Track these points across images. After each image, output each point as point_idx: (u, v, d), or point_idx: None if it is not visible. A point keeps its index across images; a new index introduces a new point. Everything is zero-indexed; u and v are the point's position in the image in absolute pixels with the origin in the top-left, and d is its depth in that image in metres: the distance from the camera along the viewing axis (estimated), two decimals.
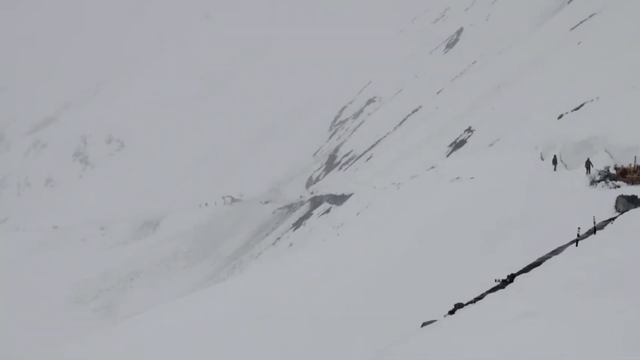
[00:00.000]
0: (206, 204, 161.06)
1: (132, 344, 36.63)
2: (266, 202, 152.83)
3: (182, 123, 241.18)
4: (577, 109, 57.68)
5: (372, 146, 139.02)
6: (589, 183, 35.48)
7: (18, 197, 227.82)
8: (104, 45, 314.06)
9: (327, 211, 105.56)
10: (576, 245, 17.18)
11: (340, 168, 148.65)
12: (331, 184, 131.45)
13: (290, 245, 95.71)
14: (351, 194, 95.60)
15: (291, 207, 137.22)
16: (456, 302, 16.16)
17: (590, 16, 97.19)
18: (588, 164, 38.51)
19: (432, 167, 67.01)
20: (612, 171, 34.99)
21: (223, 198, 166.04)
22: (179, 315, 41.18)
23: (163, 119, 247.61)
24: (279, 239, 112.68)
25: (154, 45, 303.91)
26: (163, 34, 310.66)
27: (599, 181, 35.04)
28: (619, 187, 32.53)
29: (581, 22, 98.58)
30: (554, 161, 45.67)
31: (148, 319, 44.42)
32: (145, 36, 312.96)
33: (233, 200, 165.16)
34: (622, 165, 34.73)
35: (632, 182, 32.51)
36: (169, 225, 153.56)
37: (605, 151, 40.27)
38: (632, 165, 33.67)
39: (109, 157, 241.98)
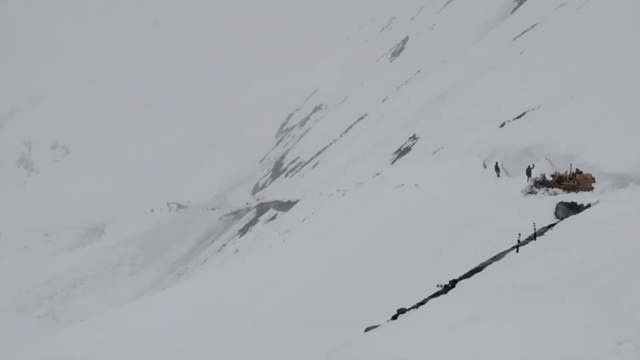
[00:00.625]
0: (152, 211, 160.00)
1: (76, 351, 36.14)
2: (212, 209, 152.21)
3: (129, 129, 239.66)
4: (518, 117, 58.33)
5: (319, 153, 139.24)
6: (528, 190, 35.90)
7: None
8: (50, 51, 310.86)
9: (273, 218, 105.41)
10: (517, 251, 17.36)
11: (287, 175, 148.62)
12: (277, 191, 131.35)
13: (236, 251, 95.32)
14: (297, 201, 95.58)
15: (237, 214, 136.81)
16: (399, 307, 16.22)
17: (532, 26, 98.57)
18: (529, 172, 39.01)
19: (378, 174, 67.20)
20: (549, 178, 35.47)
21: (168, 205, 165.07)
22: (123, 322, 40.78)
23: (110, 125, 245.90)
24: (225, 245, 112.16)
25: (101, 52, 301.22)
26: (110, 41, 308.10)
27: (532, 187, 35.48)
28: (557, 194, 32.97)
29: (523, 32, 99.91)
30: (497, 168, 46.21)
31: (93, 325, 43.88)
32: (92, 43, 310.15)
33: (179, 206, 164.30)
34: (558, 173, 35.23)
35: (568, 189, 32.98)
36: (115, 231, 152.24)
37: (546, 159, 40.86)
38: (568, 173, 34.16)
39: (54, 163, 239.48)
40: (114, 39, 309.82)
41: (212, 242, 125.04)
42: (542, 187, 34.58)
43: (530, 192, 34.91)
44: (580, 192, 32.10)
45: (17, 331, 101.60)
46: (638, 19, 62.44)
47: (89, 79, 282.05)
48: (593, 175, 32.95)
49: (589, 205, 21.27)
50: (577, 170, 34.08)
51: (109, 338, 36.96)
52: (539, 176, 36.64)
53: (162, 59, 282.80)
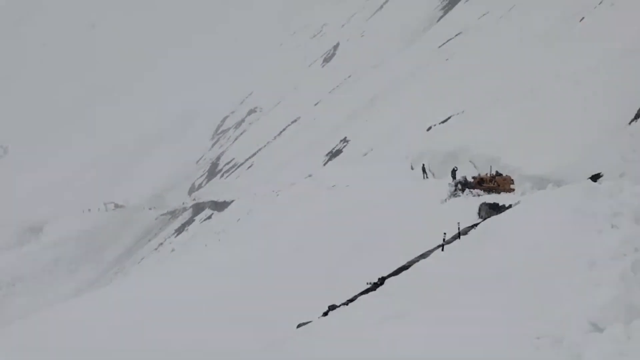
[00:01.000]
0: (90, 210, 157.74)
1: (15, 349, 35.46)
2: (150, 209, 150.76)
3: (67, 129, 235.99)
4: (444, 121, 59.01)
5: (253, 155, 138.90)
6: (451, 191, 36.24)
7: None
8: None
9: (209, 217, 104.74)
10: (442, 250, 17.54)
11: (222, 176, 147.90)
12: (213, 191, 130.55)
13: (173, 250, 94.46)
14: (232, 201, 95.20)
15: (174, 214, 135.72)
16: (330, 304, 16.30)
17: (457, 35, 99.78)
18: (454, 174, 39.48)
19: (310, 176, 67.44)
20: (471, 180, 35.91)
21: (105, 204, 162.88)
22: (61, 321, 40.14)
23: (48, 126, 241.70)
24: (161, 244, 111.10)
25: (40, 51, 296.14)
26: (49, 41, 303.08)
27: (455, 188, 35.87)
28: (480, 195, 33.40)
29: (448, 40, 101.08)
30: (423, 170, 46.67)
31: (31, 324, 43.12)
32: (30, 43, 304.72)
33: (116, 206, 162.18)
34: (480, 175, 35.73)
35: (489, 190, 33.46)
36: (53, 230, 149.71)
37: (470, 161, 41.44)
38: (488, 175, 34.68)
39: None
40: (49, 42, 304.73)
41: (149, 241, 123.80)
42: (466, 189, 34.99)
43: (455, 194, 35.27)
44: (502, 193, 32.58)
45: None
46: (556, 27, 63.66)
47: (27, 79, 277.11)
48: (513, 178, 33.52)
49: (510, 206, 21.62)
50: (496, 172, 34.63)
51: (46, 337, 36.36)
52: (461, 178, 37.06)
53: (99, 60, 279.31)
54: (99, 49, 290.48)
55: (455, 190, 35.99)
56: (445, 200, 35.28)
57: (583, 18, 59.38)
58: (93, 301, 46.42)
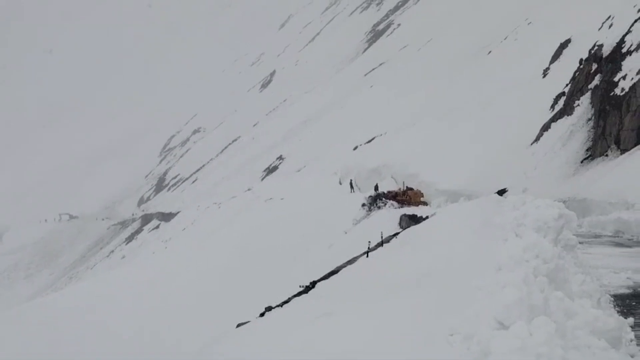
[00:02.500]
0: (46, 220, 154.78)
1: None
2: (102, 219, 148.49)
3: (24, 145, 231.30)
4: (369, 141, 59.46)
5: (197, 170, 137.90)
6: (369, 203, 36.30)
7: None
8: None
9: (157, 227, 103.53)
10: (367, 256, 17.61)
11: (169, 189, 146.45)
12: (160, 203, 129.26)
13: (123, 257, 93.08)
14: (178, 212, 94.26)
15: (124, 224, 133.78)
16: (267, 305, 16.21)
17: (380, 64, 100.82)
18: (376, 188, 39.77)
19: (249, 189, 67.13)
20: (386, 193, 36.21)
21: (60, 215, 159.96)
22: (18, 322, 39.21)
23: (5, 142, 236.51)
24: (112, 251, 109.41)
25: (1, 73, 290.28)
26: (6, 66, 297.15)
27: (374, 201, 35.98)
28: (399, 207, 33.65)
29: (373, 69, 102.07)
30: (351, 185, 46.90)
31: None
32: None
33: (71, 217, 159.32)
34: (394, 190, 36.08)
35: (402, 202, 33.79)
36: (11, 238, 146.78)
37: (392, 177, 41.84)
38: (401, 189, 35.06)
39: None
40: (10, 64, 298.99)
41: (101, 249, 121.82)
42: (388, 202, 35.22)
43: (378, 206, 35.43)
44: (419, 205, 32.89)
45: None
46: (468, 58, 64.83)
47: None
48: (429, 192, 33.95)
49: (427, 217, 21.84)
50: (407, 187, 35.03)
51: (3, 337, 35.48)
52: (380, 192, 37.38)
53: (56, 82, 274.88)
54: (56, 72, 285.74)
55: (375, 202, 36.11)
56: (372, 211, 35.15)
57: (490, 51, 60.62)
58: (47, 304, 45.46)
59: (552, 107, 32.93)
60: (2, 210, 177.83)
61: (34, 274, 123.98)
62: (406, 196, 34.05)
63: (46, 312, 40.43)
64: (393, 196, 34.99)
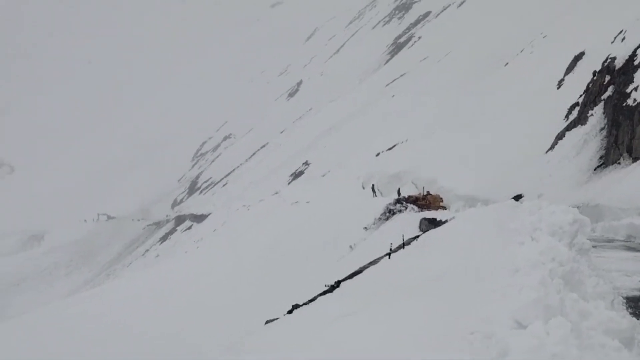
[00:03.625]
0: (85, 221, 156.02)
1: (18, 340, 34.82)
2: (137, 220, 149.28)
3: (65, 149, 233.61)
4: (390, 148, 59.35)
5: (228, 174, 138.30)
6: (391, 207, 36.16)
7: None
8: None
9: (189, 228, 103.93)
10: (389, 258, 17.58)
11: (201, 192, 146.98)
12: (193, 205, 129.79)
13: (157, 256, 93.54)
14: (209, 214, 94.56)
15: (159, 224, 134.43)
16: (294, 303, 16.23)
17: (401, 75, 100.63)
18: (399, 192, 39.70)
19: (276, 193, 67.23)
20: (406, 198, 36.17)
21: (99, 215, 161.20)
22: (59, 316, 39.55)
23: (48, 147, 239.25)
24: (147, 250, 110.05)
25: (42, 84, 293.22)
26: (49, 76, 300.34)
27: (395, 205, 35.87)
28: (419, 211, 33.58)
29: (394, 80, 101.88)
30: (373, 189, 46.86)
31: (32, 318, 42.40)
32: (33, 77, 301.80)
33: (109, 217, 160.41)
34: (415, 194, 36.02)
35: (422, 207, 33.73)
36: (52, 238, 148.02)
37: (412, 182, 41.74)
38: (421, 194, 34.98)
39: (1, 179, 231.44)
40: (53, 75, 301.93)
41: (136, 248, 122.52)
42: (409, 206, 35.12)
43: (399, 210, 35.32)
44: (439, 209, 32.79)
45: None
46: (485, 70, 64.54)
47: (32, 106, 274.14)
48: (448, 197, 33.86)
49: (446, 221, 21.76)
50: (427, 192, 34.95)
51: (45, 329, 35.80)
52: (402, 197, 37.36)
53: (96, 91, 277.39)
54: (94, 81, 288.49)
55: (396, 206, 36.02)
56: (395, 214, 34.90)
57: (507, 63, 60.31)
58: (87, 299, 45.83)
59: (567, 116, 32.71)
60: (44, 212, 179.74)
61: (74, 272, 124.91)
62: (426, 200, 33.99)
63: (78, 310, 40.76)
64: (413, 200, 34.93)
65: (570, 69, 40.07)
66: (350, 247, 33.99)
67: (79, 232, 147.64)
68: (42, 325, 37.13)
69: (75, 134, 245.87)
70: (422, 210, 33.78)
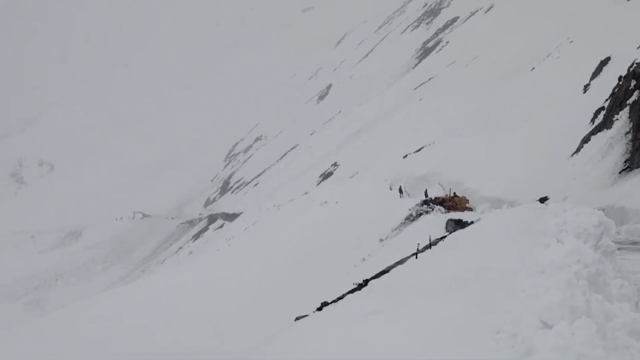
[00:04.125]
0: (121, 218, 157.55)
1: (59, 331, 35.30)
2: (171, 218, 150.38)
3: (102, 150, 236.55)
4: (418, 151, 59.09)
5: (259, 175, 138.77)
6: (418, 208, 36.12)
7: None
8: (36, 84, 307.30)
9: (221, 226, 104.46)
10: (416, 258, 17.55)
11: (233, 192, 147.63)
12: (225, 205, 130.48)
13: (190, 253, 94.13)
14: (241, 213, 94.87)
15: (192, 223, 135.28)
16: (323, 300, 16.25)
17: (429, 79, 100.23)
18: (426, 194, 39.57)
19: (306, 193, 67.30)
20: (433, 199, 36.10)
21: (134, 213, 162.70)
22: (97, 308, 40.01)
23: (86, 147, 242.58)
24: (181, 248, 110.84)
25: (80, 88, 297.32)
26: (87, 79, 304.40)
27: (422, 206, 35.78)
28: (445, 212, 33.45)
29: (422, 84, 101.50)
30: (400, 191, 46.68)
31: (71, 311, 42.96)
32: (72, 80, 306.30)
33: (144, 215, 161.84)
34: (441, 196, 35.90)
35: (449, 208, 33.61)
36: (90, 235, 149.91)
37: (439, 184, 41.54)
38: (448, 196, 34.87)
39: (41, 177, 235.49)
40: (90, 78, 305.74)
41: (170, 245, 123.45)
42: (436, 207, 35.01)
43: (426, 211, 35.19)
44: (465, 211, 32.63)
45: (6, 315, 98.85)
46: (511, 75, 64.06)
47: (71, 108, 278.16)
48: (473, 199, 33.69)
49: (472, 222, 21.65)
50: (454, 193, 34.81)
51: (82, 321, 36.22)
52: (429, 198, 37.35)
53: (132, 94, 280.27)
54: (132, 84, 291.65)
55: (424, 207, 35.93)
56: (422, 215, 34.81)
57: (534, 68, 59.80)
58: (123, 294, 46.31)
59: (592, 120, 32.35)
60: (82, 210, 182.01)
61: (110, 268, 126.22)
62: (453, 202, 33.88)
63: (117, 301, 41.19)
64: (440, 202, 34.84)
65: (596, 73, 39.62)
66: (381, 239, 33.99)
67: (115, 230, 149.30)
68: (78, 320, 37.57)
69: (112, 135, 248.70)
70: (448, 212, 33.66)
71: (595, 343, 7.05)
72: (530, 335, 7.44)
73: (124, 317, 34.32)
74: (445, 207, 33.88)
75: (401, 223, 35.04)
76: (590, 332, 7.14)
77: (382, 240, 33.93)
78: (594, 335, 7.17)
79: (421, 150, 58.58)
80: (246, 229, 69.24)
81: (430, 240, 19.32)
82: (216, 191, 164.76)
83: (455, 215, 31.11)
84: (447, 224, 29.19)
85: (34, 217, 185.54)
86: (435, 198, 35.99)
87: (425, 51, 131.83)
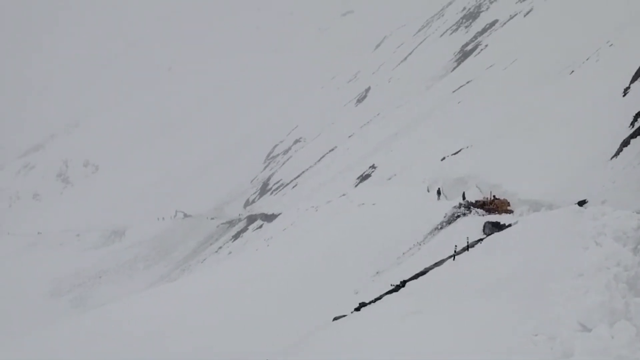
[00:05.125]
0: (163, 218, 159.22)
1: (102, 327, 35.86)
2: (211, 218, 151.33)
3: (144, 152, 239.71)
4: (455, 153, 58.72)
5: (297, 176, 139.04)
6: (456, 210, 35.88)
7: (9, 208, 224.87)
8: (82, 87, 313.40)
9: (260, 227, 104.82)
10: (453, 259, 17.47)
11: (272, 193, 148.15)
12: (264, 205, 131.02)
13: (230, 253, 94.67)
14: (279, 214, 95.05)
15: (231, 223, 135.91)
16: (361, 301, 16.26)
17: (467, 82, 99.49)
18: (463, 196, 39.32)
19: (344, 195, 67.20)
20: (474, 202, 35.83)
21: (176, 212, 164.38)
22: (138, 306, 40.54)
23: (130, 148, 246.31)
24: (220, 247, 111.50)
25: (122, 91, 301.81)
26: (130, 82, 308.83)
27: (459, 208, 35.53)
28: (484, 214, 33.17)
29: (460, 87, 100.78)
30: (438, 193, 46.46)
31: (114, 308, 43.53)
32: (115, 83, 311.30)
33: (185, 215, 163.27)
34: (482, 199, 35.60)
35: (490, 211, 33.30)
36: (133, 234, 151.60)
37: (476, 187, 41.20)
38: (489, 199, 34.57)
39: (86, 178, 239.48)
40: (133, 81, 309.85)
41: (210, 245, 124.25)
42: (473, 209, 34.73)
43: (464, 213, 34.94)
44: (503, 214, 32.31)
45: (51, 311, 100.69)
46: (550, 78, 63.32)
47: (115, 110, 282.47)
48: (511, 201, 33.35)
49: (509, 225, 21.45)
50: (494, 196, 34.50)
51: (126, 318, 36.74)
52: (463, 200, 37.15)
53: (175, 97, 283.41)
54: (175, 88, 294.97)
55: (461, 209, 35.70)
56: (459, 217, 34.57)
57: (573, 71, 59.02)
58: (163, 292, 46.84)
59: (632, 124, 31.77)
60: (125, 209, 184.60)
61: (152, 266, 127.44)
62: (493, 205, 33.61)
63: (158, 300, 41.67)
64: (481, 204, 34.58)
65: (636, 76, 38.89)
66: (418, 242, 33.85)
67: (157, 229, 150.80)
68: (119, 317, 38.11)
69: (155, 137, 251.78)
70: (485, 214, 33.38)
71: (635, 346, 6.95)
72: (569, 338, 7.36)
73: (164, 315, 34.73)
74: (486, 210, 33.61)
75: (439, 225, 34.86)
76: (630, 335, 7.04)
77: (419, 242, 33.80)
78: (634, 338, 7.06)
79: (459, 152, 58.21)
80: (285, 229, 69.43)
81: (467, 242, 19.19)
82: (255, 192, 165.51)
83: (493, 217, 30.82)
84: (484, 226, 28.93)
85: (79, 217, 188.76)
86: (476, 201, 35.72)
87: (464, 54, 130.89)
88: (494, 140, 52.74)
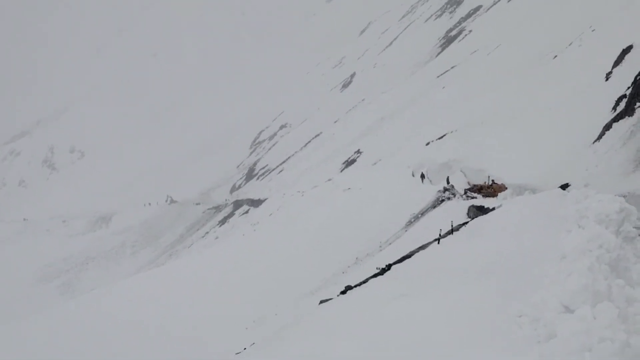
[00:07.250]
0: (150, 204, 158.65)
1: (90, 313, 35.80)
2: (198, 204, 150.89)
3: (131, 138, 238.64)
4: (440, 138, 58.78)
5: (283, 162, 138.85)
6: (441, 195, 36.10)
7: None
8: (69, 73, 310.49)
9: (247, 212, 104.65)
10: (438, 243, 17.51)
11: (258, 178, 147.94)
12: (250, 191, 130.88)
13: (217, 238, 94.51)
14: (266, 199, 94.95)
15: (218, 208, 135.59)
16: (346, 284, 16.28)
17: (452, 67, 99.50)
18: (447, 181, 39.45)
19: (329, 180, 67.18)
20: (465, 187, 35.95)
21: (167, 197, 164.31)
22: (126, 291, 40.48)
23: (116, 134, 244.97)
24: (207, 233, 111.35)
25: (112, 78, 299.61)
26: (118, 69, 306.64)
27: (444, 192, 35.73)
28: (473, 198, 33.31)
29: (445, 72, 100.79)
30: (422, 177, 46.52)
31: (102, 294, 43.45)
32: (105, 70, 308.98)
33: (172, 201, 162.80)
34: (479, 184, 35.73)
35: (487, 195, 33.45)
36: (119, 220, 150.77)
37: (461, 171, 41.32)
38: (486, 183, 34.70)
39: (72, 164, 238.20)
40: (121, 68, 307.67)
41: (197, 230, 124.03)
42: (457, 193, 34.87)
43: (448, 197, 35.09)
44: (487, 197, 32.49)
45: (39, 298, 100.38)
46: (533, 63, 63.43)
47: (101, 97, 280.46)
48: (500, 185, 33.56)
49: (493, 209, 21.52)
50: (493, 181, 34.66)
51: (113, 303, 36.69)
52: (447, 184, 37.50)
53: (161, 83, 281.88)
54: (160, 74, 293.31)
55: (446, 193, 35.91)
56: (442, 201, 34.78)
57: (556, 56, 59.14)
58: (151, 277, 46.78)
59: (614, 108, 31.96)
60: (112, 195, 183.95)
61: (139, 252, 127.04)
62: (492, 189, 33.77)
63: (146, 284, 41.60)
64: (479, 189, 34.73)
65: (618, 61, 39.07)
66: (402, 232, 33.94)
67: (144, 215, 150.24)
68: (107, 302, 38.06)
69: (141, 124, 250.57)
70: (469, 199, 33.57)
71: (617, 327, 7.00)
72: (553, 319, 7.41)
73: (151, 300, 34.69)
74: (483, 195, 33.79)
75: (424, 209, 34.97)
76: (612, 316, 7.09)
77: (404, 226, 33.89)
78: (616, 319, 7.12)
79: (444, 137, 58.28)
80: (271, 214, 69.37)
81: (452, 226, 19.24)
82: (242, 178, 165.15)
83: (477, 201, 30.96)
84: (469, 210, 29.06)
85: (65, 203, 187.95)
86: (474, 185, 35.89)
87: (448, 40, 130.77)
88: (479, 125, 52.85)
